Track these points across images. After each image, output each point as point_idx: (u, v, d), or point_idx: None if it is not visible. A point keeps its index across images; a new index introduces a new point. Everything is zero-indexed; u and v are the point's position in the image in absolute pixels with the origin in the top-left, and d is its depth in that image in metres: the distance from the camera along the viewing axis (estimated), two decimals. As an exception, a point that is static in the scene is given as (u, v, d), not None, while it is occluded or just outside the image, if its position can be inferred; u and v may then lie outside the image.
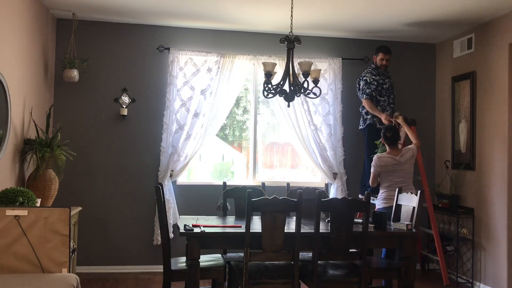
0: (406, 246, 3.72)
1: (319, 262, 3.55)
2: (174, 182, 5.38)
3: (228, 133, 5.91)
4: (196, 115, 5.34)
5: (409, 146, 4.78)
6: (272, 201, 3.39)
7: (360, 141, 5.60)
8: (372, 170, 4.69)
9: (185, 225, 3.54)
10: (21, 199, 3.51)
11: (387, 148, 4.70)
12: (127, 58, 5.41)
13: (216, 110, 5.39)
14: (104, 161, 5.31)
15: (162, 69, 5.43)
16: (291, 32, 3.97)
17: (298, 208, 3.43)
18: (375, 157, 4.69)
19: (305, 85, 3.92)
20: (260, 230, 3.43)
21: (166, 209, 4.80)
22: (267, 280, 3.47)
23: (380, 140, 4.96)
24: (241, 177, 5.82)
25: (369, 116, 5.26)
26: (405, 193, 4.16)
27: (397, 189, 4.32)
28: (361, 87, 5.27)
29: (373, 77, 5.23)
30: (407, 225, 3.75)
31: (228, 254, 4.16)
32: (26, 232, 2.92)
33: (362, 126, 5.37)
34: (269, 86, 3.95)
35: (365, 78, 5.26)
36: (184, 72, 5.38)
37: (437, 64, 5.99)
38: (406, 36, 5.71)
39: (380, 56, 5.32)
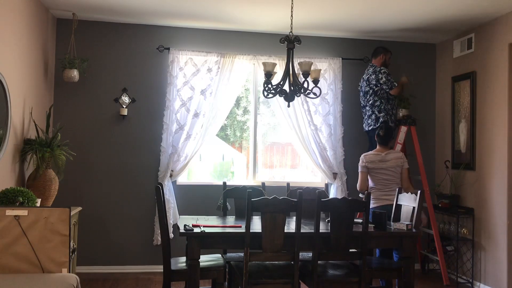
0: (406, 246, 3.72)
1: (319, 262, 3.55)
2: (174, 182, 5.38)
3: (229, 133, 5.92)
4: (196, 115, 5.34)
5: (404, 158, 4.65)
6: (272, 201, 3.39)
7: (361, 141, 5.61)
8: (359, 170, 4.58)
9: (185, 225, 3.54)
10: (21, 199, 3.51)
11: (377, 145, 4.69)
12: (127, 58, 5.41)
13: (216, 110, 5.39)
14: (104, 161, 5.31)
15: (162, 69, 5.43)
16: (291, 32, 3.97)
17: (298, 208, 3.43)
18: (361, 156, 4.62)
19: (305, 85, 3.92)
20: (260, 230, 3.43)
21: (166, 209, 4.80)
22: (267, 280, 3.46)
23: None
24: (241, 177, 5.82)
25: (382, 114, 5.24)
26: (405, 193, 4.15)
27: (389, 190, 4.33)
28: (385, 79, 5.23)
29: (387, 72, 5.29)
30: (407, 225, 3.75)
31: (228, 254, 4.15)
32: (26, 232, 2.92)
33: (374, 125, 5.25)
34: (269, 86, 3.95)
35: (383, 71, 5.27)
36: (184, 72, 5.38)
37: (437, 64, 5.99)
38: (406, 36, 5.71)
39: (388, 55, 5.43)
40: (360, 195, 5.27)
